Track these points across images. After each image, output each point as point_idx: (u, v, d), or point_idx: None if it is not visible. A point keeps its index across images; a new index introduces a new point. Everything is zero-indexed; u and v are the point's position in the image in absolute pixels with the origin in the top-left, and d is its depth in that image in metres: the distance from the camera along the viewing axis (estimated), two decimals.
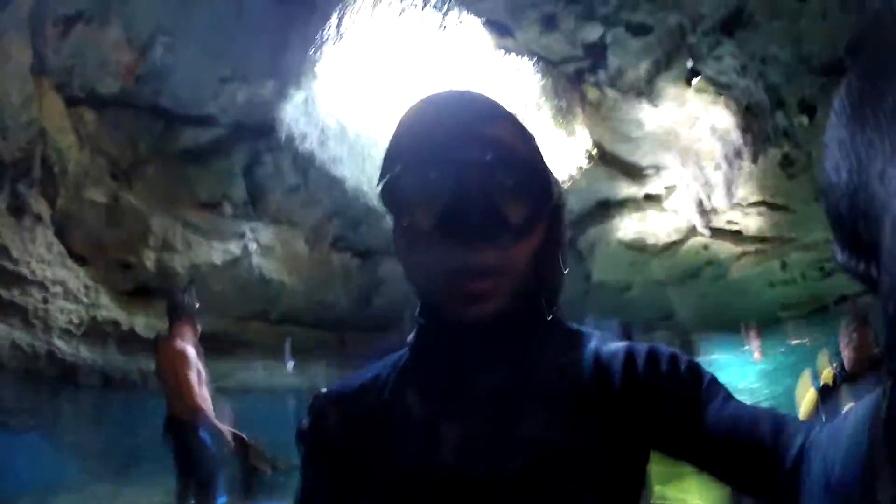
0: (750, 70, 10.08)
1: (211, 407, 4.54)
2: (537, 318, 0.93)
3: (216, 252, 13.24)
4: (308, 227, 14.98)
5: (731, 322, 16.24)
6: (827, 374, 4.24)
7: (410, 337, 1.05)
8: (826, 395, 4.16)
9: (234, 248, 13.64)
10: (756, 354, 14.13)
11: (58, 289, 9.65)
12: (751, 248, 13.40)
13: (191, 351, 4.45)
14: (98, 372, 10.89)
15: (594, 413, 0.86)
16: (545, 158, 0.91)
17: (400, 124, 0.87)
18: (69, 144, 9.15)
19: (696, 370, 0.89)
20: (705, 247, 14.21)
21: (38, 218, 9.05)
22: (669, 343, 14.47)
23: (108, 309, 10.99)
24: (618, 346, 0.93)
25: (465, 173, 0.81)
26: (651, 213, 14.81)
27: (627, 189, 14.69)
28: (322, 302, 16.35)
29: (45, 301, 9.46)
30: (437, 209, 0.83)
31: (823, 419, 3.82)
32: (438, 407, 0.92)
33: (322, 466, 1.02)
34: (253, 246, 14.05)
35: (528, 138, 0.89)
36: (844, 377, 4.12)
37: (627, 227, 15.29)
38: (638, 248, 15.40)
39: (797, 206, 11.63)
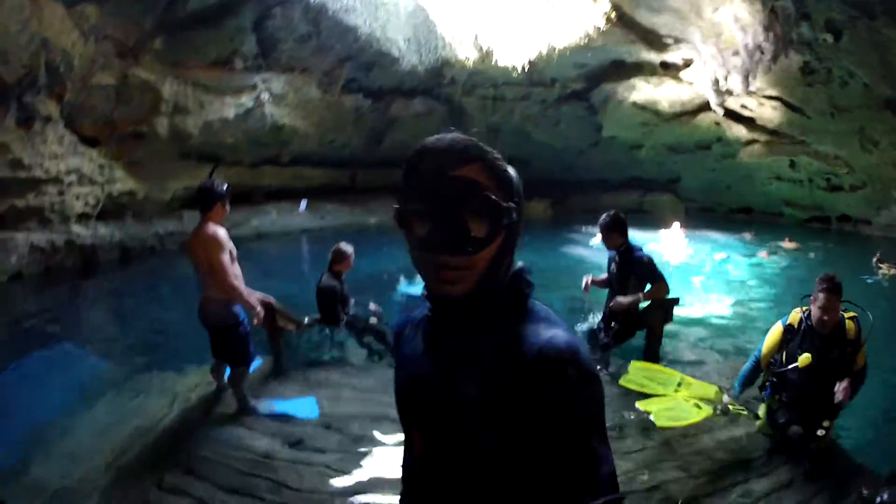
0: None
1: (243, 283, 4.80)
2: (493, 299, 1.26)
3: (228, 107, 13.30)
4: (320, 72, 14.78)
5: (733, 199, 16.41)
6: (794, 316, 4.37)
7: None
8: (788, 334, 4.36)
9: (247, 100, 13.65)
10: (749, 235, 14.23)
11: (72, 177, 9.98)
12: (762, 137, 13.19)
13: (222, 233, 4.55)
14: (117, 246, 11.47)
15: (498, 378, 1.19)
16: (506, 186, 1.22)
17: (406, 166, 1.22)
18: (72, 42, 9.00)
19: (573, 391, 1.14)
20: (717, 123, 14.01)
21: (48, 119, 9.19)
22: (673, 210, 14.57)
23: (123, 182, 11.37)
24: (542, 337, 1.19)
25: (442, 204, 1.15)
26: (666, 81, 14.47)
27: (645, 54, 14.24)
28: (333, 143, 16.56)
29: (61, 193, 9.84)
30: (425, 228, 1.17)
31: (782, 357, 4.35)
32: (425, 347, 1.36)
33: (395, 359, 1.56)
34: (265, 96, 14.02)
35: (493, 174, 1.20)
36: (807, 326, 4.26)
37: (641, 89, 15.01)
38: (651, 110, 15.20)
39: (812, 114, 11.36)
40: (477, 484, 1.23)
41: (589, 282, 5.97)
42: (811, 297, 4.12)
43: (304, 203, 16.25)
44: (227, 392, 5.19)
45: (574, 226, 16.92)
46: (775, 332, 4.43)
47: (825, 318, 4.00)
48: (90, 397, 5.63)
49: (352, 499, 3.99)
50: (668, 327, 6.43)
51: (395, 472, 4.09)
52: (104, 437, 4.71)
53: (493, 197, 1.16)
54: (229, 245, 4.56)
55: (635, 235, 15.17)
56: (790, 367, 4.21)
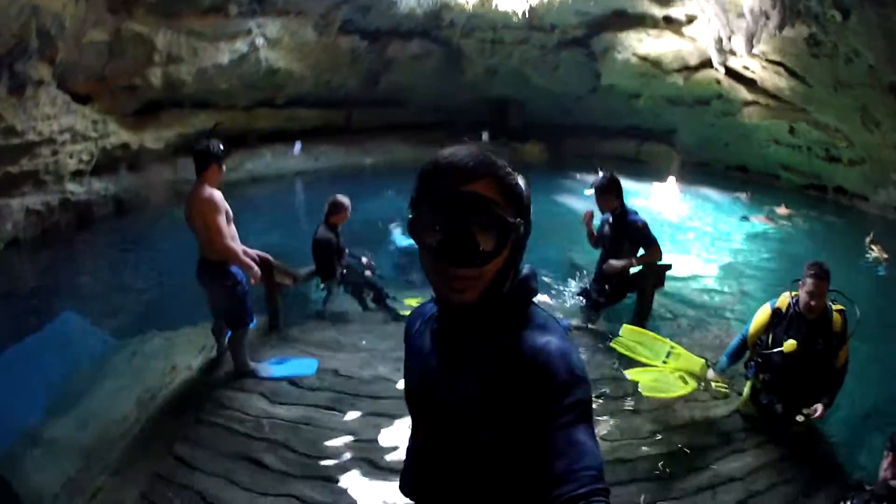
0: None
1: (239, 244, 4.90)
2: (497, 307, 1.32)
3: (223, 53, 13.02)
4: (316, 15, 14.41)
5: (730, 157, 16.30)
6: (783, 300, 4.42)
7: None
8: (776, 318, 4.42)
9: (241, 45, 13.36)
10: (744, 196, 14.15)
11: (66, 136, 9.82)
12: (763, 100, 13.01)
13: (217, 196, 4.58)
14: (111, 200, 11.43)
15: (497, 380, 1.28)
16: (516, 202, 1.27)
17: (418, 178, 1.28)
18: (63, 4, 8.72)
19: (563, 392, 1.21)
20: (717, 81, 13.82)
21: (40, 82, 9.00)
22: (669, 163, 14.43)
23: (117, 135, 11.23)
24: (537, 343, 1.28)
25: (452, 218, 1.20)
26: (668, 35, 14.23)
27: (648, 6, 14.01)
28: (329, 84, 16.32)
29: (55, 153, 9.69)
30: (437, 240, 1.22)
31: (768, 339, 4.42)
32: (432, 346, 1.47)
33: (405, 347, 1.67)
34: (260, 41, 13.71)
35: (503, 190, 1.25)
36: (794, 312, 4.33)
37: (643, 41, 14.76)
38: (651, 62, 14.96)
39: (815, 84, 11.22)
40: (474, 474, 1.33)
41: (590, 216, 5.97)
42: (800, 282, 4.20)
43: (298, 145, 16.10)
44: (227, 354, 5.32)
45: (569, 172, 16.82)
46: (763, 314, 4.52)
47: (812, 302, 4.10)
48: (94, 367, 5.80)
49: (347, 457, 4.21)
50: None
51: (390, 432, 4.44)
52: (113, 407, 4.89)
53: (502, 213, 1.22)
54: (224, 206, 4.63)
55: (630, 186, 15.25)
56: (775, 350, 4.32)
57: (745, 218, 12.53)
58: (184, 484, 3.97)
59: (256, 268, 4.96)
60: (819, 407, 4.23)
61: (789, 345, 4.16)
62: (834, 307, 4.22)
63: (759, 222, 12.28)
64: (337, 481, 4.03)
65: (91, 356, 6.18)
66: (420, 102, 19.08)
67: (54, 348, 6.67)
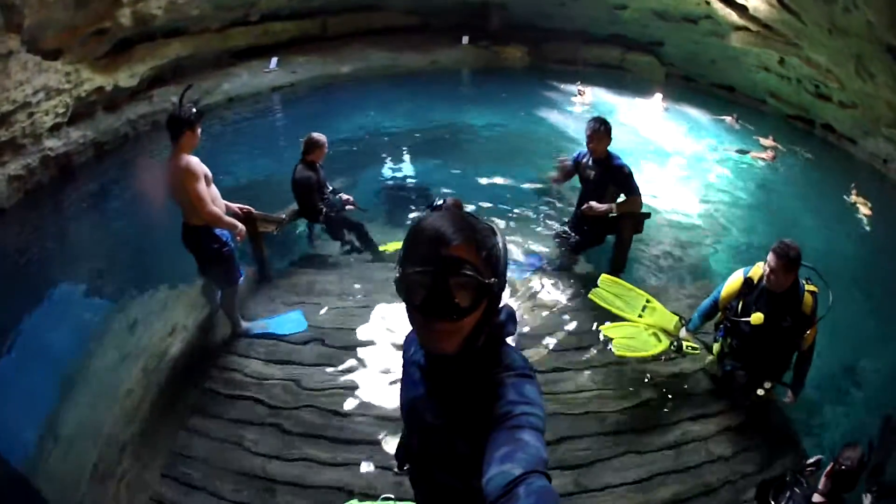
0: None
1: (222, 203, 4.98)
2: (474, 355, 1.51)
3: None
4: None
5: (717, 75, 15.96)
6: (756, 271, 4.37)
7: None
8: (747, 287, 4.38)
9: None
10: (730, 119, 13.86)
11: (40, 95, 9.35)
12: (753, 27, 12.59)
13: (194, 162, 4.58)
14: (91, 146, 11.03)
15: (466, 414, 1.49)
16: (491, 263, 1.44)
17: (405, 242, 1.45)
18: None
19: (512, 406, 1.41)
20: (707, 2, 13.36)
21: (10, 54, 8.53)
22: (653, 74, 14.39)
23: (91, 81, 10.71)
24: (495, 379, 1.49)
25: (433, 277, 1.35)
26: None
27: None
28: None
29: (31, 116, 9.27)
30: (419, 298, 1.39)
31: (738, 307, 4.42)
32: (421, 377, 1.70)
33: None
34: None
35: (480, 253, 1.41)
36: (763, 287, 4.32)
37: None
38: None
39: (809, 23, 10.90)
40: (458, 478, 1.58)
41: (561, 173, 6.27)
42: (768, 258, 4.16)
43: (274, 61, 15.47)
44: (219, 314, 5.57)
45: (551, 79, 16.51)
46: (735, 281, 4.52)
47: (772, 277, 4.09)
48: (96, 340, 5.94)
49: (350, 413, 4.58)
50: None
51: (386, 382, 4.94)
52: (118, 381, 5.13)
53: (478, 274, 1.38)
54: (202, 171, 4.69)
55: (614, 100, 15.07)
56: (743, 319, 4.35)
57: (742, 151, 12.23)
58: (198, 457, 4.27)
59: (241, 225, 5.05)
60: (790, 393, 4.44)
61: (756, 317, 4.19)
62: (807, 287, 4.21)
63: (757, 158, 12.00)
64: (343, 439, 4.36)
65: (91, 328, 6.28)
66: (396, 6, 18.21)
67: (53, 325, 6.70)
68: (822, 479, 3.47)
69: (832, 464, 3.45)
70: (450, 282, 1.35)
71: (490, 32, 18.71)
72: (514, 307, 5.65)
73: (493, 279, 1.42)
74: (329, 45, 17.14)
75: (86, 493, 4.05)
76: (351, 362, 5.09)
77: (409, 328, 1.60)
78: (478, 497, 1.34)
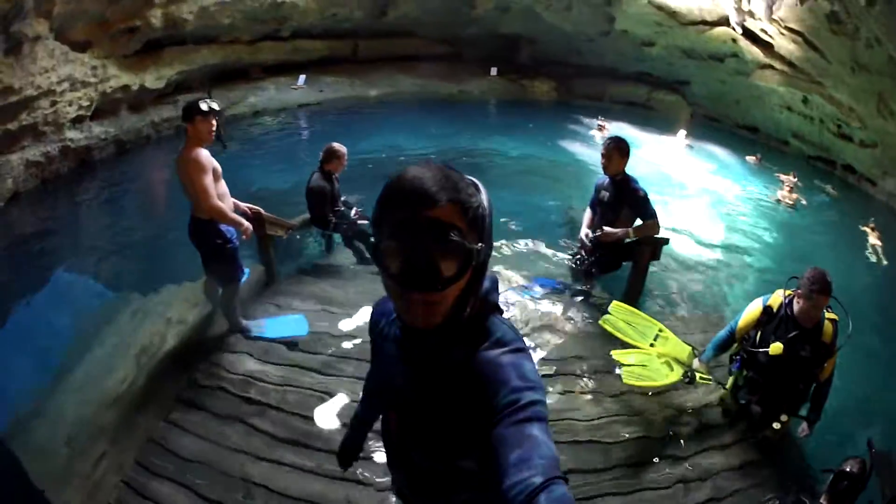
0: None
1: (230, 200, 4.96)
2: (457, 327, 1.37)
3: None
4: None
5: (741, 115, 15.93)
6: (776, 299, 4.26)
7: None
8: (766, 316, 4.28)
9: None
10: (753, 160, 13.73)
11: (65, 85, 9.61)
12: (778, 65, 12.60)
13: (203, 155, 4.55)
14: (112, 143, 11.28)
15: (458, 389, 1.38)
16: (477, 226, 1.29)
17: (379, 202, 1.29)
18: None
19: (515, 394, 1.29)
20: (734, 40, 13.39)
21: (37, 38, 8.75)
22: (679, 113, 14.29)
23: (118, 77, 10.98)
24: (490, 357, 1.38)
25: (413, 244, 1.21)
26: None
27: None
28: (336, 16, 15.84)
29: (54, 104, 9.52)
30: (399, 265, 1.23)
31: (756, 337, 4.27)
32: (398, 353, 1.55)
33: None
34: None
35: (465, 215, 1.26)
36: (785, 314, 4.18)
37: None
38: (667, 12, 14.46)
39: (833, 61, 10.87)
40: (441, 459, 1.47)
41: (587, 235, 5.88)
42: (797, 289, 4.04)
43: (302, 78, 15.78)
44: (219, 312, 5.47)
45: (577, 114, 16.57)
46: (754, 310, 4.37)
47: (812, 315, 3.97)
48: (97, 326, 5.93)
49: (336, 423, 4.38)
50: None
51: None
52: (112, 367, 5.06)
53: (463, 240, 1.23)
54: (211, 165, 4.63)
55: (639, 136, 14.91)
56: (761, 350, 4.19)
57: (764, 193, 11.99)
58: (175, 449, 4.14)
59: (247, 223, 4.98)
60: (805, 426, 4.26)
61: (775, 347, 4.03)
62: (827, 315, 4.08)
63: (781, 201, 11.59)
64: (327, 449, 4.16)
65: (91, 315, 6.28)
66: (428, 34, 18.50)
67: (53, 308, 6.76)
68: (824, 496, 3.45)
69: (832, 477, 3.45)
70: (432, 249, 1.21)
71: (519, 65, 18.94)
72: (526, 332, 5.55)
73: (479, 244, 1.29)
74: (359, 67, 17.46)
75: (64, 467, 4.04)
76: (348, 371, 4.97)
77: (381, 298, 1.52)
78: (460, 477, 1.32)
